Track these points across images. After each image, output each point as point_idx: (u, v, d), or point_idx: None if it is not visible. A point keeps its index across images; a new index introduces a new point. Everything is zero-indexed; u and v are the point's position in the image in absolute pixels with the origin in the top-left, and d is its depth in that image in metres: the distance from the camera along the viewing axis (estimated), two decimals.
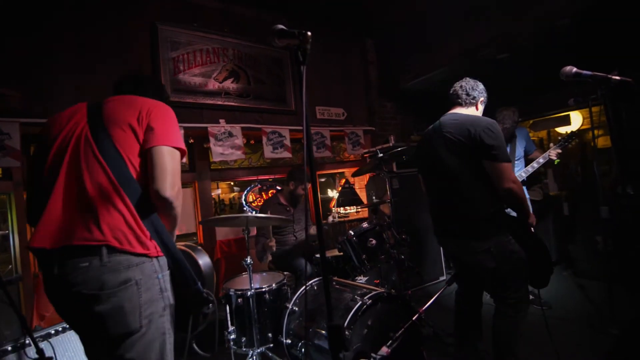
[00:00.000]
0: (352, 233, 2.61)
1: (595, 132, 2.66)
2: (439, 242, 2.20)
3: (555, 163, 2.91)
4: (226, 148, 3.42)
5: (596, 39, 3.23)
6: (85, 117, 1.22)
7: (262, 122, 3.80)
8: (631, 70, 1.81)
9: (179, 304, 1.23)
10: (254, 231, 3.18)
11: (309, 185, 3.12)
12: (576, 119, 4.68)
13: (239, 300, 2.22)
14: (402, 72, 4.52)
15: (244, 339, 2.22)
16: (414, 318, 1.92)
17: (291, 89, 4.08)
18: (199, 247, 1.43)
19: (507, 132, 2.85)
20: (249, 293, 2.18)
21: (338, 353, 0.98)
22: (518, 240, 1.79)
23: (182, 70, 3.37)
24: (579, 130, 4.68)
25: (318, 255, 2.74)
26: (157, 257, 1.16)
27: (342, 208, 4.92)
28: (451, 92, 2.01)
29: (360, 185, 4.75)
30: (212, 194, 4.32)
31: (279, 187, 4.64)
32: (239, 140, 3.50)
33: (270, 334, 2.26)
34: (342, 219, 4.79)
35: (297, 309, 2.17)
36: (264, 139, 3.69)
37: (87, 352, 1.23)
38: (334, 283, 2.31)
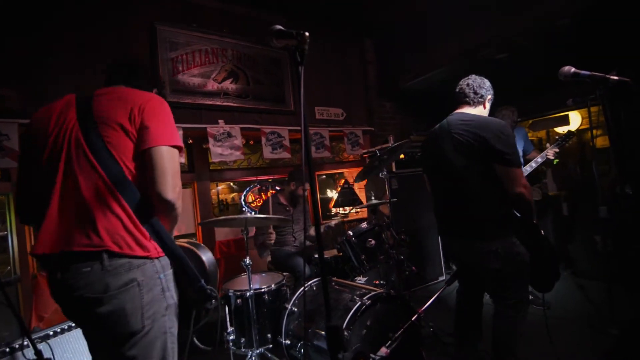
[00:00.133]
0: (351, 233, 2.61)
1: (594, 132, 2.67)
2: (443, 241, 2.20)
3: (554, 163, 2.91)
4: (225, 149, 3.42)
5: (596, 39, 3.23)
6: (76, 115, 1.18)
7: (261, 123, 3.80)
8: (631, 71, 1.81)
9: (182, 300, 1.24)
10: (253, 231, 3.18)
11: (308, 186, 3.13)
12: (575, 119, 4.69)
13: (238, 301, 2.22)
14: (402, 72, 4.52)
15: (243, 340, 2.22)
16: (413, 318, 1.92)
17: (290, 90, 4.08)
18: (202, 244, 1.44)
19: None
20: (248, 294, 2.18)
21: (336, 354, 0.98)
22: (522, 242, 1.78)
23: (181, 70, 3.37)
24: (577, 129, 4.69)
25: (317, 256, 2.73)
26: (158, 257, 1.16)
27: (341, 208, 4.92)
28: (457, 90, 1.96)
29: (359, 185, 4.75)
30: (212, 192, 4.31)
31: (278, 188, 4.64)
32: (238, 141, 3.49)
33: (269, 335, 2.25)
34: (342, 219, 4.79)
35: (296, 309, 2.17)
36: (263, 140, 3.69)
37: (91, 349, 1.24)
38: (333, 283, 2.31)
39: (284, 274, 2.60)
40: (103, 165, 1.11)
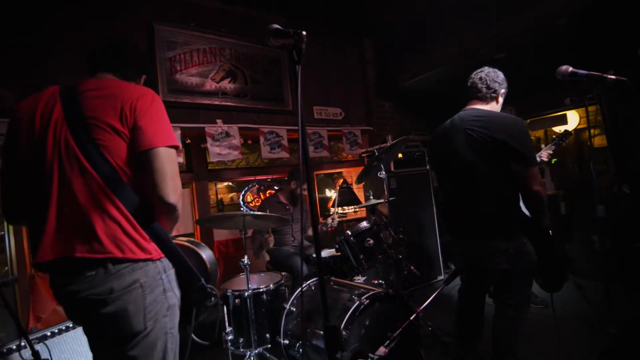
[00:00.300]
0: (350, 233, 2.61)
1: (592, 131, 2.67)
2: (444, 240, 2.18)
3: (552, 162, 2.92)
4: (223, 148, 3.41)
5: (595, 39, 3.24)
6: (62, 113, 1.13)
7: (260, 122, 3.80)
8: (630, 70, 1.81)
9: (182, 299, 1.24)
10: (251, 232, 3.17)
11: (305, 186, 3.12)
12: (573, 119, 4.70)
13: (237, 300, 2.22)
14: (401, 72, 4.52)
15: (241, 340, 2.22)
16: (411, 318, 1.92)
17: (288, 89, 4.07)
18: (201, 242, 1.44)
19: None
20: (246, 294, 2.17)
21: (335, 353, 0.98)
22: (531, 241, 1.77)
23: (179, 70, 3.36)
24: (574, 129, 4.70)
25: (315, 255, 2.73)
26: (159, 258, 1.16)
27: (339, 208, 4.92)
28: (469, 84, 1.86)
29: (358, 184, 4.75)
30: (211, 192, 4.31)
31: (276, 187, 4.63)
32: (237, 141, 3.49)
33: (267, 335, 2.25)
34: (341, 219, 4.79)
35: (294, 309, 2.17)
36: (262, 139, 3.69)
37: (92, 348, 1.24)
38: (332, 283, 2.31)
39: (283, 273, 2.60)
40: (96, 168, 1.08)
